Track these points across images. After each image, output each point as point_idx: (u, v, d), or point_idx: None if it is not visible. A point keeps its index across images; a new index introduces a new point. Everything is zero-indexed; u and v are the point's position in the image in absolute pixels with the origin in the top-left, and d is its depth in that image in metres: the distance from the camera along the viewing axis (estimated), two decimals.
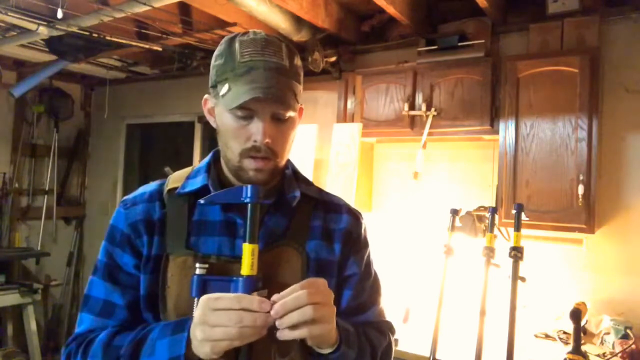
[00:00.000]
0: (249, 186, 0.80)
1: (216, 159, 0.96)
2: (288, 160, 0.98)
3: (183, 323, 0.78)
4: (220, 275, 0.82)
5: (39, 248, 4.22)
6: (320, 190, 1.02)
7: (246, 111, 0.83)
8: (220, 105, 0.86)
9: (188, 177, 0.93)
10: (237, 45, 0.84)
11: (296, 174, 0.99)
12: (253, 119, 0.83)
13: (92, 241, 4.58)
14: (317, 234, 0.94)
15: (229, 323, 0.70)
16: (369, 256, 1.03)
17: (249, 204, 0.79)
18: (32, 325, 3.66)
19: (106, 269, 0.90)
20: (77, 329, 0.90)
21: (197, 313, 0.73)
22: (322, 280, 0.78)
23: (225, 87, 0.82)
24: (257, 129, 0.83)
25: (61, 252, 4.45)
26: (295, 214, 0.93)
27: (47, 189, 4.33)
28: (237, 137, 0.85)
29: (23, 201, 4.24)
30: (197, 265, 0.81)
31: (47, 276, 4.29)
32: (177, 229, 0.88)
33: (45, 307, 4.36)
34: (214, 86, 0.87)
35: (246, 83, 0.80)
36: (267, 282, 0.80)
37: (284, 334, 0.73)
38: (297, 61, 0.88)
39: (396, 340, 2.14)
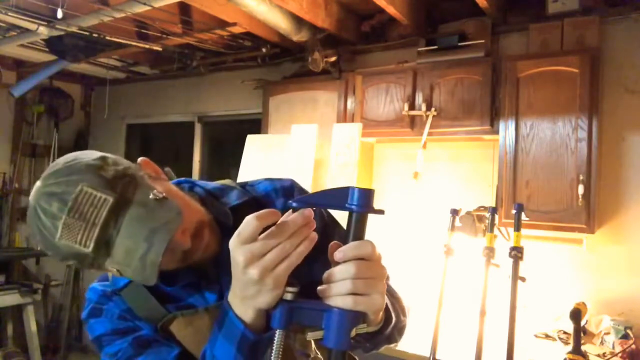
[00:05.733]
0: (356, 189, 0.64)
1: None
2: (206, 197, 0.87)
3: (221, 315, 0.69)
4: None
5: (39, 248, 4.21)
6: (244, 186, 0.92)
7: None
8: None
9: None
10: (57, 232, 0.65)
11: (212, 200, 0.86)
12: None
13: None
14: None
15: (278, 238, 0.61)
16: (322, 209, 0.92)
17: (354, 213, 0.64)
18: (32, 325, 3.66)
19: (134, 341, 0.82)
20: None
21: (235, 270, 0.63)
22: (370, 246, 0.64)
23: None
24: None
25: None
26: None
27: None
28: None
29: (23, 201, 4.24)
30: (288, 289, 0.65)
31: (47, 276, 4.29)
32: (148, 306, 0.82)
33: (45, 307, 4.36)
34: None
35: (119, 268, 0.69)
36: None
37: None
38: (110, 172, 0.69)
39: None
